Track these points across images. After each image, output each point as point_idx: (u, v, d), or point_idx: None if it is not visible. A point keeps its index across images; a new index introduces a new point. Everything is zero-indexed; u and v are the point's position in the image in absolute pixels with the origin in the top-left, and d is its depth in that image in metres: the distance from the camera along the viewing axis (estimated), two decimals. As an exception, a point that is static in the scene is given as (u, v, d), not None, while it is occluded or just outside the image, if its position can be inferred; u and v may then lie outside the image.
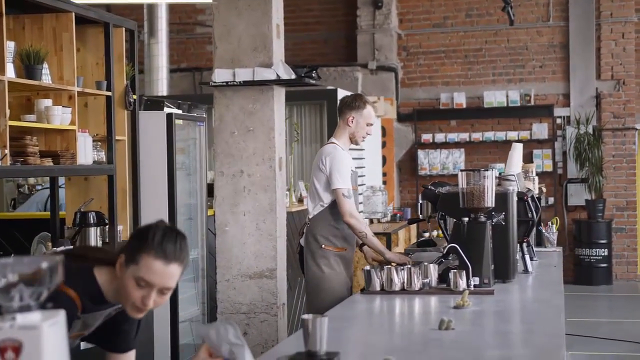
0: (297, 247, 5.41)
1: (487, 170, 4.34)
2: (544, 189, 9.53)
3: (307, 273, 5.15)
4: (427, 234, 10.03)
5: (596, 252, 11.90)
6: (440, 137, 12.54)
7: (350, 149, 5.23)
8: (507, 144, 11.18)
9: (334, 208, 5.07)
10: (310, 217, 5.17)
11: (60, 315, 1.81)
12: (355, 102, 5.20)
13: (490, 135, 12.41)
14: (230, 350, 2.37)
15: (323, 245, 5.07)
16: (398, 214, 10.52)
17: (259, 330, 5.39)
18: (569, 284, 11.83)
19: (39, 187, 8.53)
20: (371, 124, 5.23)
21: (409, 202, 12.55)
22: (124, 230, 5.81)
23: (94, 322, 2.72)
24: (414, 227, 10.79)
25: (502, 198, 4.43)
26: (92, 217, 5.41)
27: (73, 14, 5.17)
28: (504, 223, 4.42)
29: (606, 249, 11.93)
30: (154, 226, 2.59)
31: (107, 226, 5.56)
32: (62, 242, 5.25)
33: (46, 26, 5.14)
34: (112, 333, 2.80)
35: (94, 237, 5.39)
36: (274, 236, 5.42)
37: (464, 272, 4.10)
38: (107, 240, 5.57)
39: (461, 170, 4.35)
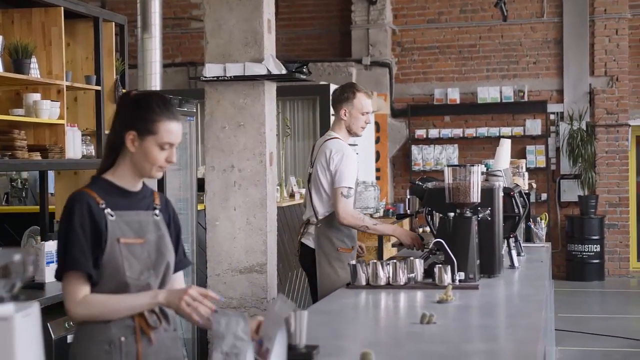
0: (297, 246, 5.30)
1: (473, 165, 4.35)
2: (534, 185, 9.53)
3: (320, 275, 5.04)
4: (421, 229, 10.02)
5: (588, 248, 11.92)
6: (434, 132, 12.55)
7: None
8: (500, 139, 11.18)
9: None
10: (319, 217, 5.06)
11: (34, 307, 1.83)
12: (344, 93, 5.09)
13: (483, 131, 12.42)
14: (233, 344, 2.40)
15: (339, 248, 5.01)
16: (391, 210, 10.53)
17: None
18: (561, 280, 11.87)
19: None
20: (366, 112, 5.09)
21: (403, 198, 12.55)
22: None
23: (144, 223, 2.84)
24: (408, 222, 10.81)
25: (488, 193, 4.44)
26: (81, 211, 5.40)
27: (62, 8, 5.18)
28: (489, 218, 4.43)
29: (599, 245, 11.95)
30: (150, 96, 2.83)
31: (96, 220, 5.56)
32: (50, 236, 5.25)
33: (35, 20, 5.15)
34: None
35: (83, 231, 5.38)
36: (264, 231, 5.41)
37: (449, 267, 4.12)
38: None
39: (447, 166, 4.37)
